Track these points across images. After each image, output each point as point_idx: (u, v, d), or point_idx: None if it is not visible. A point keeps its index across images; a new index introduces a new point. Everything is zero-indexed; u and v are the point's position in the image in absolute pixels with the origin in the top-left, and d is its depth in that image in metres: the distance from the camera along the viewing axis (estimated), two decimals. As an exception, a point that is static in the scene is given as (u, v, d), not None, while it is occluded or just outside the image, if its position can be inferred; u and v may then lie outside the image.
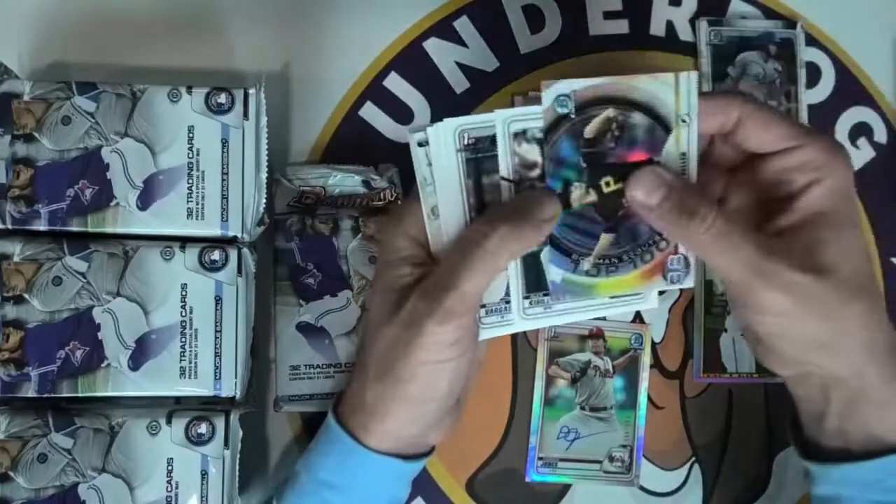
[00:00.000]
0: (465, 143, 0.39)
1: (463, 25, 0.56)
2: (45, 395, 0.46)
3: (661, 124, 0.39)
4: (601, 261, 0.40)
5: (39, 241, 0.47)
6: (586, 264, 0.40)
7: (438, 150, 0.39)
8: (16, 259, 0.46)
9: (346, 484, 0.43)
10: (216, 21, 0.54)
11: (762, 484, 0.55)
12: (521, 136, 0.39)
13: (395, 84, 0.55)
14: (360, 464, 0.42)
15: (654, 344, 0.55)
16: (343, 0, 0.55)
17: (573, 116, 0.39)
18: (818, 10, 0.58)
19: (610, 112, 0.39)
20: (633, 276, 0.41)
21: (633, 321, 0.55)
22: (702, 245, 0.38)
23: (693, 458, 0.55)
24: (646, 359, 0.55)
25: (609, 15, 0.56)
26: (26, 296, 0.46)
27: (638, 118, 0.39)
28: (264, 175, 0.48)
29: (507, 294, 0.41)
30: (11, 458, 0.45)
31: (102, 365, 0.46)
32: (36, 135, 0.47)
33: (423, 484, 0.53)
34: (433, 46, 0.55)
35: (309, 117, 0.54)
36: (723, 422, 0.55)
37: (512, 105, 0.55)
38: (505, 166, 0.39)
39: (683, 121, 0.39)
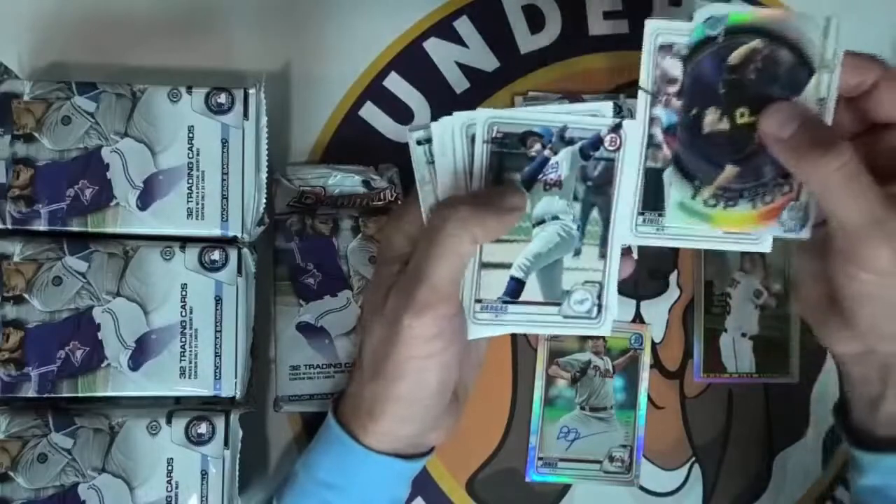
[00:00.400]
0: (494, 135, 0.39)
1: (463, 25, 0.56)
2: (45, 395, 0.46)
3: (804, 65, 0.39)
4: (721, 192, 0.40)
5: (39, 241, 0.47)
6: (706, 193, 0.40)
7: (441, 147, 0.39)
8: (16, 259, 0.46)
9: (345, 484, 0.43)
10: (216, 21, 0.54)
11: (762, 484, 0.55)
12: (666, 49, 0.39)
13: (395, 84, 0.55)
14: (359, 464, 0.42)
15: (654, 344, 0.55)
16: (343, 0, 0.55)
17: (720, 40, 0.38)
18: (818, 10, 0.58)
19: (757, 43, 0.38)
20: (750, 215, 0.40)
21: (633, 321, 0.55)
22: (831, 182, 0.36)
23: (693, 458, 0.55)
24: (646, 359, 0.55)
25: (609, 15, 0.56)
26: (26, 296, 0.46)
27: (783, 54, 0.39)
28: (264, 175, 0.48)
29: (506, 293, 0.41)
30: (11, 458, 0.45)
31: (102, 365, 0.46)
32: (36, 135, 0.47)
33: (423, 484, 0.53)
34: (433, 46, 0.55)
35: (309, 117, 0.54)
36: (723, 422, 0.55)
37: (512, 105, 0.55)
38: (646, 76, 0.39)
39: (827, 66, 0.39)
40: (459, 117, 0.39)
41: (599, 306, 0.42)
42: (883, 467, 0.41)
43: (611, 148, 0.40)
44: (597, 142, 0.40)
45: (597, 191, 0.41)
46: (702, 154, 0.39)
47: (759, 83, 0.39)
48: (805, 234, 0.41)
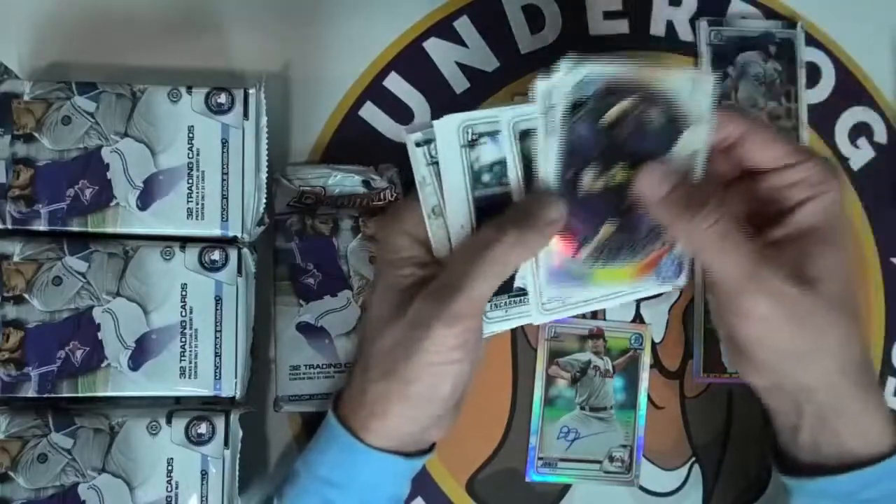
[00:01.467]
0: (469, 138, 0.39)
1: (463, 25, 0.56)
2: (45, 395, 0.46)
3: (675, 121, 0.40)
4: (600, 251, 0.41)
5: (39, 241, 0.47)
6: (586, 251, 0.41)
7: (445, 146, 0.39)
8: (16, 259, 0.46)
9: (346, 481, 0.43)
10: (216, 21, 0.54)
11: (762, 484, 0.55)
12: (526, 135, 0.39)
13: (395, 84, 0.55)
14: (360, 461, 0.42)
15: (654, 344, 0.55)
16: (343, 0, 0.55)
17: (591, 103, 0.39)
18: (818, 10, 0.58)
19: (629, 102, 0.39)
20: (628, 269, 0.41)
21: (633, 321, 0.55)
22: (703, 241, 0.39)
23: (693, 458, 0.55)
24: (646, 359, 0.55)
25: (609, 15, 0.56)
26: (26, 296, 0.46)
27: (655, 112, 0.39)
28: (264, 175, 0.48)
29: (515, 289, 0.41)
30: (11, 458, 0.45)
31: (102, 365, 0.46)
32: (36, 135, 0.47)
33: (423, 484, 0.53)
34: (433, 46, 0.55)
35: (309, 117, 0.54)
36: (723, 422, 0.55)
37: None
38: (513, 168, 0.39)
39: (697, 120, 0.40)
40: (460, 117, 0.39)
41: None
42: (810, 491, 0.43)
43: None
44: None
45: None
46: (580, 214, 0.40)
47: (632, 141, 0.39)
48: (682, 282, 0.43)
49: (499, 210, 0.40)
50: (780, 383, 0.42)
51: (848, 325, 0.40)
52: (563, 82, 0.38)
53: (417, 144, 0.39)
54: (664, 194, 0.39)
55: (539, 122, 0.39)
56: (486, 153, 0.40)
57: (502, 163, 0.40)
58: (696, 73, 0.40)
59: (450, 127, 0.39)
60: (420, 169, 0.40)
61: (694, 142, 0.40)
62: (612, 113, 0.39)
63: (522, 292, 0.42)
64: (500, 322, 0.42)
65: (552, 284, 0.41)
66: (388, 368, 0.41)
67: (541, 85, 0.38)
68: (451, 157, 0.39)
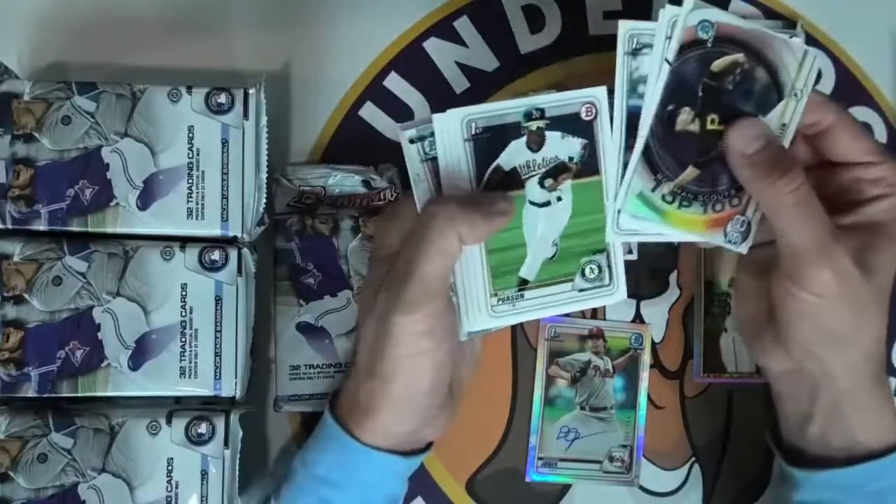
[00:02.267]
0: (473, 132, 0.39)
1: (463, 25, 0.56)
2: (45, 395, 0.46)
3: (776, 88, 0.41)
4: (679, 190, 0.41)
5: (39, 241, 0.47)
6: (666, 188, 0.41)
7: (445, 141, 0.39)
8: (16, 259, 0.46)
9: (343, 480, 0.43)
10: (216, 21, 0.54)
11: (762, 484, 0.55)
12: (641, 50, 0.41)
13: (395, 84, 0.55)
14: (357, 460, 0.43)
15: (654, 344, 0.55)
16: (343, 0, 0.55)
17: (709, 45, 0.40)
18: (818, 10, 0.58)
19: (740, 57, 0.40)
20: (700, 218, 0.42)
21: (633, 321, 0.55)
22: (782, 204, 0.39)
23: (693, 458, 0.55)
24: (646, 359, 0.55)
25: (609, 15, 0.56)
26: (26, 296, 0.46)
27: (761, 73, 0.41)
28: (264, 175, 0.48)
29: (523, 283, 0.41)
30: (11, 458, 0.45)
31: (102, 365, 0.46)
32: (36, 135, 0.47)
33: (423, 484, 0.53)
34: (433, 46, 0.55)
35: (309, 117, 0.54)
36: (723, 422, 0.55)
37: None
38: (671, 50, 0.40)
39: (796, 95, 0.41)
40: (458, 113, 0.39)
41: (610, 270, 0.43)
42: (817, 483, 0.43)
43: (587, 117, 0.41)
44: (574, 115, 0.41)
45: (586, 166, 0.42)
46: (670, 150, 0.41)
47: (733, 95, 0.41)
48: (743, 248, 0.43)
49: None
50: (802, 368, 0.42)
51: (884, 319, 0.42)
52: (685, 17, 0.39)
53: (411, 141, 0.39)
54: (753, 151, 0.40)
55: (655, 46, 0.40)
56: (490, 148, 0.40)
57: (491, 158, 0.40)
58: (808, 48, 0.41)
59: (450, 121, 0.39)
60: (414, 166, 0.40)
61: (788, 114, 0.41)
62: (723, 62, 0.40)
63: (526, 285, 0.42)
64: (509, 315, 0.42)
65: (628, 213, 0.41)
66: (370, 368, 0.41)
67: (666, 11, 0.39)
68: (451, 152, 0.39)
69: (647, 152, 0.41)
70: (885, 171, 0.42)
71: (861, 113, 0.58)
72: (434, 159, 0.40)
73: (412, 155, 0.40)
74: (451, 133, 0.39)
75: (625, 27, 0.40)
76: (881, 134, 0.58)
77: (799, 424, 0.44)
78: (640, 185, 0.41)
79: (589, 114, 0.41)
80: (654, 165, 0.41)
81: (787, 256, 0.40)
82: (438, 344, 0.40)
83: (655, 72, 0.40)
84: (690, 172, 0.41)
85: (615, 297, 0.43)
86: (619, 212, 0.42)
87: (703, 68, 0.40)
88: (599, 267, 0.42)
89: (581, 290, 0.42)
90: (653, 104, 0.40)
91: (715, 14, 0.39)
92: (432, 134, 0.39)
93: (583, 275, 0.42)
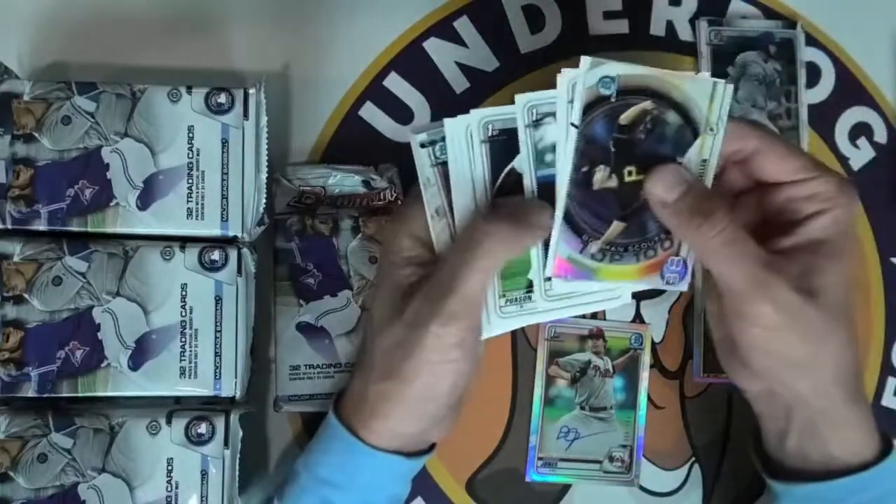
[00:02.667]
0: (490, 134, 0.39)
1: (463, 25, 0.56)
2: (45, 395, 0.46)
3: (690, 127, 0.40)
4: (608, 247, 0.41)
5: (39, 241, 0.47)
6: (594, 247, 0.41)
7: (455, 144, 0.39)
8: (16, 259, 0.46)
9: (346, 482, 0.43)
10: (216, 21, 0.54)
11: (762, 484, 0.55)
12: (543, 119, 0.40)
13: (395, 84, 0.55)
14: (361, 462, 0.43)
15: (654, 344, 0.55)
16: (343, 0, 0.55)
17: (613, 100, 0.39)
18: (818, 10, 0.58)
19: (648, 105, 0.39)
20: (634, 268, 0.42)
21: (633, 321, 0.55)
22: (709, 248, 0.39)
23: (693, 458, 0.55)
24: (646, 359, 0.55)
25: (609, 15, 0.56)
26: (26, 296, 0.46)
27: (671, 116, 0.40)
28: (264, 175, 0.48)
29: (528, 284, 0.41)
30: (11, 458, 0.45)
31: (102, 365, 0.46)
32: (36, 135, 0.47)
33: (423, 484, 0.53)
34: (433, 46, 0.55)
35: (309, 117, 0.54)
36: (723, 422, 0.55)
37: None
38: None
39: (711, 129, 0.40)
40: (469, 118, 0.39)
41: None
42: (796, 496, 0.44)
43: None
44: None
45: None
46: (591, 210, 0.40)
47: (647, 143, 0.40)
48: (684, 286, 0.42)
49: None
50: (773, 389, 0.43)
51: (846, 336, 0.41)
52: (585, 78, 0.38)
53: (422, 145, 0.39)
54: (675, 199, 0.39)
55: (558, 113, 0.39)
56: (506, 151, 0.40)
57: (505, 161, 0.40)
58: (716, 80, 0.40)
59: (462, 126, 0.39)
60: (424, 170, 0.40)
61: (707, 149, 0.40)
62: (630, 113, 0.39)
63: (533, 288, 0.42)
64: (516, 317, 0.42)
65: (559, 276, 0.41)
66: (387, 369, 0.41)
67: (564, 76, 0.39)
68: (462, 157, 0.39)
69: (568, 217, 0.40)
70: (819, 186, 0.41)
71: (861, 113, 0.58)
72: (445, 164, 0.40)
73: (423, 159, 0.40)
74: (462, 138, 0.39)
75: (522, 100, 0.39)
76: (881, 134, 0.58)
77: (778, 439, 0.44)
78: (566, 250, 0.41)
79: None
80: (578, 228, 0.41)
81: (727, 295, 0.40)
82: (465, 354, 0.40)
83: (563, 137, 0.39)
84: (616, 227, 0.41)
85: (621, 299, 0.43)
86: (548, 279, 0.41)
87: (611, 123, 0.39)
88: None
89: (587, 293, 0.42)
90: (566, 169, 0.40)
91: (614, 68, 0.39)
92: (443, 138, 0.39)
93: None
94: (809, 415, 0.42)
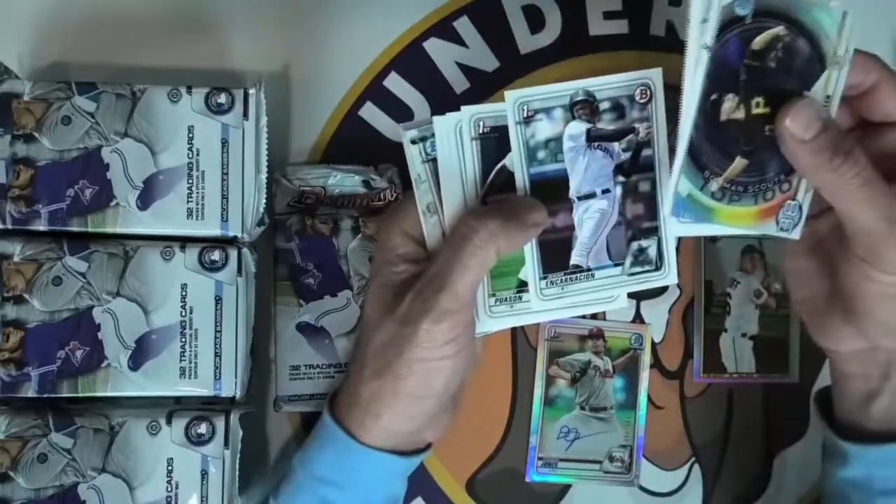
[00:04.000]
0: (481, 131, 0.39)
1: (463, 25, 0.56)
2: (45, 395, 0.46)
3: (818, 59, 0.39)
4: (728, 185, 0.39)
5: (39, 241, 0.47)
6: (714, 185, 0.39)
7: (443, 142, 0.39)
8: (16, 259, 0.46)
9: (343, 480, 0.43)
10: (216, 21, 0.54)
11: (762, 484, 0.55)
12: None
13: (395, 84, 0.55)
14: (357, 460, 0.42)
15: (654, 344, 0.55)
16: (343, 0, 0.55)
17: (748, 21, 0.37)
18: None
19: (781, 30, 0.38)
20: (751, 211, 0.40)
21: (633, 321, 0.55)
22: (848, 189, 0.37)
23: (693, 458, 0.55)
24: (646, 359, 0.55)
25: (609, 15, 0.56)
26: (26, 296, 0.46)
27: (802, 45, 0.38)
28: (264, 175, 0.48)
29: (522, 286, 0.41)
30: (11, 458, 0.45)
31: (102, 365, 0.46)
32: (36, 135, 0.47)
33: (423, 484, 0.53)
34: (433, 46, 0.55)
35: (309, 117, 0.54)
36: (723, 422, 0.55)
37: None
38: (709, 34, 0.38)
39: (838, 63, 0.39)
40: (458, 115, 0.39)
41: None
42: (869, 458, 0.42)
43: (642, 101, 0.40)
44: (626, 100, 0.40)
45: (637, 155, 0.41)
46: (716, 143, 0.39)
47: (776, 73, 0.38)
48: (796, 234, 0.41)
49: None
50: (880, 345, 0.41)
51: None
52: None
53: (413, 142, 0.39)
54: (812, 136, 0.37)
55: (691, 34, 0.37)
56: (496, 148, 0.40)
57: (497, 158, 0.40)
58: (846, 10, 0.38)
59: (452, 123, 0.39)
60: (415, 166, 0.40)
61: (832, 84, 0.39)
62: (764, 38, 0.38)
63: (524, 288, 0.41)
64: (506, 317, 0.42)
65: (676, 217, 0.40)
66: (380, 367, 0.41)
67: (511, 94, 0.39)
68: (451, 154, 0.39)
69: (691, 150, 0.38)
70: None
71: (861, 113, 0.58)
72: (436, 160, 0.40)
73: (414, 155, 0.40)
74: (451, 135, 0.39)
75: (512, 97, 0.39)
76: (881, 134, 0.58)
77: (865, 400, 0.42)
78: (687, 187, 0.39)
79: (644, 97, 0.40)
80: (701, 163, 0.39)
81: (859, 239, 0.38)
82: (458, 351, 0.40)
83: (692, 63, 0.37)
84: (738, 164, 0.39)
85: (615, 303, 0.43)
86: (666, 217, 0.41)
87: (743, 48, 0.37)
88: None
89: (583, 294, 0.42)
90: (694, 99, 0.37)
91: None
92: (434, 135, 0.39)
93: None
94: None
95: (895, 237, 0.37)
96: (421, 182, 0.40)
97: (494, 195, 0.40)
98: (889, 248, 0.37)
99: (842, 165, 0.37)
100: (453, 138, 0.39)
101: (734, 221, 0.40)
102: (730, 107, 0.38)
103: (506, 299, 0.41)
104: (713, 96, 0.38)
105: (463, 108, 0.39)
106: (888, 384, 0.41)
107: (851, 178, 0.37)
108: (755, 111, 0.38)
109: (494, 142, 0.40)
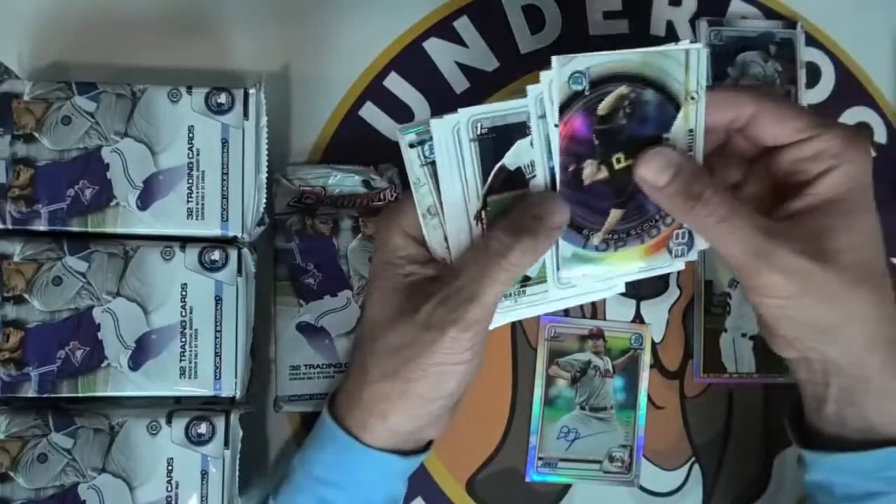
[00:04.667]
0: (479, 132, 0.39)
1: (463, 25, 0.56)
2: (45, 395, 0.46)
3: (670, 101, 0.40)
4: (610, 236, 0.41)
5: (39, 241, 0.47)
6: (596, 239, 0.41)
7: (442, 145, 0.39)
8: (16, 259, 0.46)
9: (343, 481, 0.43)
10: (216, 21, 0.54)
11: (762, 484, 0.55)
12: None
13: (395, 84, 0.55)
14: (357, 461, 0.42)
15: (654, 344, 0.55)
16: (343, 0, 0.55)
17: (587, 94, 0.39)
18: (818, 10, 0.58)
19: (623, 89, 0.39)
20: (640, 249, 0.42)
21: (633, 321, 0.55)
22: (706, 228, 0.39)
23: (693, 458, 0.55)
24: (646, 359, 0.55)
25: (609, 15, 0.56)
26: (26, 296, 0.46)
27: (649, 95, 0.40)
28: (264, 175, 0.48)
29: (525, 280, 0.42)
30: (11, 458, 0.45)
31: (102, 365, 0.46)
32: (36, 135, 0.47)
33: (423, 484, 0.53)
34: (433, 46, 0.55)
35: (309, 117, 0.54)
36: (723, 422, 0.55)
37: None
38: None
39: (692, 97, 0.40)
40: (456, 117, 0.39)
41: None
42: (827, 465, 0.42)
43: None
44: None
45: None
46: (585, 205, 0.40)
47: (630, 127, 0.40)
48: (693, 255, 0.42)
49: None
50: (807, 357, 0.42)
51: (876, 297, 0.39)
52: (555, 78, 0.38)
53: (411, 145, 0.39)
54: (665, 182, 0.39)
55: (533, 125, 0.39)
56: (497, 145, 0.40)
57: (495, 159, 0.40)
58: (687, 48, 0.39)
59: (449, 126, 0.39)
60: (414, 170, 0.40)
61: (692, 119, 0.40)
62: (608, 101, 0.39)
63: (528, 281, 0.42)
64: (511, 311, 0.42)
65: (568, 275, 0.41)
66: (391, 368, 0.41)
67: (533, 89, 0.39)
68: (450, 157, 0.39)
69: None
70: (824, 143, 0.39)
71: (861, 113, 0.58)
72: (434, 163, 0.40)
73: (412, 159, 0.40)
74: (449, 138, 0.39)
75: (534, 91, 0.39)
76: (881, 134, 0.58)
77: (817, 405, 0.43)
78: (569, 249, 0.41)
79: None
80: (576, 225, 0.41)
81: (735, 269, 0.40)
82: (474, 356, 0.41)
83: (542, 143, 0.39)
84: (614, 215, 0.41)
85: (614, 290, 0.43)
86: (558, 279, 0.42)
87: (590, 116, 0.39)
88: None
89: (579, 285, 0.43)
90: (554, 171, 0.40)
91: (581, 62, 0.38)
92: (432, 138, 0.39)
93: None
94: (846, 382, 0.41)
95: (760, 267, 0.38)
96: (420, 185, 0.40)
97: (494, 196, 0.40)
98: (758, 277, 0.39)
99: (694, 208, 0.39)
100: (451, 141, 0.39)
101: (627, 262, 0.42)
102: (591, 171, 0.40)
103: (510, 294, 0.41)
104: (571, 167, 0.40)
105: (460, 110, 0.39)
106: (829, 393, 0.42)
107: (706, 218, 0.38)
108: (618, 167, 0.40)
109: (492, 143, 0.40)
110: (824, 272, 0.38)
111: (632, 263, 0.42)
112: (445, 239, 0.40)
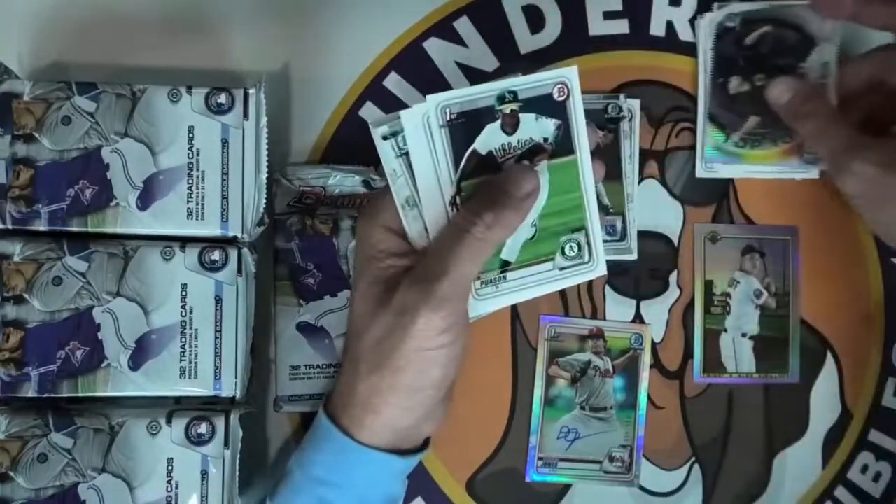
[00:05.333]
0: (448, 118, 0.40)
1: (463, 25, 0.56)
2: (45, 395, 0.46)
3: (807, 39, 0.52)
4: (747, 136, 0.54)
5: (39, 241, 0.47)
6: (735, 136, 0.54)
7: (413, 134, 0.39)
8: (16, 259, 0.46)
9: (342, 481, 0.43)
10: (216, 21, 0.54)
11: (762, 484, 0.55)
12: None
13: (395, 84, 0.55)
14: (355, 461, 0.42)
15: (654, 344, 0.55)
16: (343, 0, 0.55)
17: (738, 29, 0.54)
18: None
19: (768, 27, 0.53)
20: (775, 151, 0.54)
21: (633, 321, 0.55)
22: (808, 136, 0.51)
23: (693, 458, 0.55)
24: (646, 359, 0.55)
25: (609, 15, 0.56)
26: (26, 296, 0.46)
27: (789, 34, 0.53)
28: (264, 175, 0.48)
29: (505, 265, 0.42)
30: (11, 458, 0.45)
31: (102, 365, 0.46)
32: (36, 135, 0.47)
33: (423, 484, 0.53)
34: (433, 46, 0.55)
35: (309, 117, 0.54)
36: (723, 422, 0.55)
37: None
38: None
39: (826, 38, 0.52)
40: (424, 106, 0.39)
41: (589, 247, 0.44)
42: None
43: (559, 98, 0.42)
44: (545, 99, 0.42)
45: (561, 146, 0.42)
46: (730, 109, 0.54)
47: (771, 56, 0.53)
48: (814, 172, 0.54)
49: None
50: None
51: None
52: (715, 14, 0.54)
53: (384, 138, 0.40)
54: (785, 101, 0.52)
55: (699, 47, 0.54)
56: (466, 130, 0.40)
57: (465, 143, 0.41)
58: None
59: (418, 115, 0.39)
60: (389, 162, 0.40)
61: (826, 53, 0.52)
62: (754, 36, 0.53)
63: (508, 267, 0.42)
64: (493, 298, 0.42)
65: (708, 162, 0.54)
66: (377, 361, 0.41)
67: (704, 18, 0.53)
68: (423, 146, 0.39)
69: (711, 116, 0.54)
70: None
71: (861, 113, 0.58)
72: (409, 154, 0.40)
73: (386, 151, 0.40)
74: (419, 126, 0.39)
75: (425, 107, 0.40)
76: (881, 134, 0.58)
77: None
78: (712, 140, 0.54)
79: (561, 94, 0.42)
80: (720, 125, 0.54)
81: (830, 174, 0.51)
82: (455, 339, 0.41)
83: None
84: (752, 121, 0.53)
85: (596, 272, 0.44)
86: (702, 163, 0.54)
87: (739, 44, 0.53)
88: (579, 245, 0.43)
89: (562, 269, 0.43)
90: (705, 81, 0.54)
91: (736, 6, 0.53)
92: (404, 129, 0.40)
93: (563, 253, 0.43)
94: None
95: (838, 171, 0.48)
96: (397, 177, 0.40)
97: (468, 181, 0.41)
98: (837, 179, 0.48)
99: (800, 120, 0.51)
100: (422, 129, 0.40)
101: (761, 160, 0.54)
102: (736, 84, 0.54)
103: (490, 281, 0.42)
104: (720, 80, 0.54)
105: (428, 97, 0.40)
106: None
107: (809, 129, 0.50)
108: (758, 84, 0.53)
109: (462, 127, 0.40)
110: (888, 178, 0.46)
111: (767, 161, 0.54)
112: (426, 229, 0.41)
